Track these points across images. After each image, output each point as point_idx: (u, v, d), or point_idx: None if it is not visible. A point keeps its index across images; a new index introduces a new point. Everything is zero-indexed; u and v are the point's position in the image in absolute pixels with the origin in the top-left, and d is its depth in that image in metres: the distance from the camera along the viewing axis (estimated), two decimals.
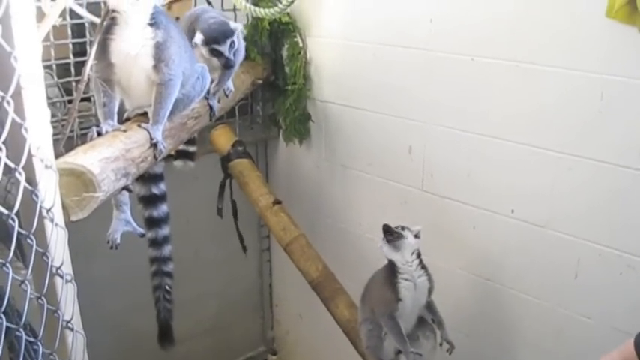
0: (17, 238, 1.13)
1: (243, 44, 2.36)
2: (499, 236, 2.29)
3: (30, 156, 1.18)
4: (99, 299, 2.54)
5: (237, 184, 2.72)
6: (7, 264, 1.08)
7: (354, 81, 2.67)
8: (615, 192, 1.96)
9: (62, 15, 2.10)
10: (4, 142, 1.05)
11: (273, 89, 2.99)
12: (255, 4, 2.63)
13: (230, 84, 2.43)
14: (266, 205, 2.58)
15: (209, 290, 3.17)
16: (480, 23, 2.18)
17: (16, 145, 1.14)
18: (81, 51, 2.39)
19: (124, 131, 1.84)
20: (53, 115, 2.22)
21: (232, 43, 2.20)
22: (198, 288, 3.01)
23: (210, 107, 2.32)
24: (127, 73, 1.88)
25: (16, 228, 1.11)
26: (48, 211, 1.25)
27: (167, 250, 2.23)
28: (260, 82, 2.88)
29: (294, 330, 3.47)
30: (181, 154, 2.43)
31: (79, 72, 2.23)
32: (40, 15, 1.89)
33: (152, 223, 2.19)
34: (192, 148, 2.45)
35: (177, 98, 1.98)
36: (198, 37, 2.15)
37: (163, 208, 2.20)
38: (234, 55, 2.23)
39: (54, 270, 1.28)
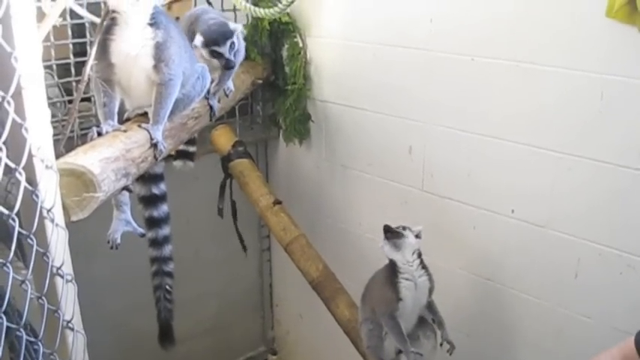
0: (17, 238, 1.13)
1: (243, 44, 2.36)
2: (499, 236, 2.29)
3: (30, 156, 1.18)
4: (99, 299, 2.54)
5: (237, 184, 2.73)
6: (8, 264, 1.08)
7: (354, 81, 2.67)
8: (615, 192, 1.96)
9: (62, 15, 2.11)
10: (4, 142, 1.05)
11: (273, 89, 2.99)
12: (255, 5, 2.63)
13: (230, 84, 2.43)
14: (266, 205, 2.59)
15: (209, 290, 3.17)
16: (480, 23, 2.18)
17: (16, 145, 1.14)
18: (81, 51, 2.39)
19: (124, 131, 1.84)
20: (53, 116, 2.22)
21: (232, 44, 2.20)
22: (199, 288, 3.01)
23: (211, 107, 2.32)
24: (127, 74, 1.88)
25: (17, 228, 1.11)
26: (48, 211, 1.25)
27: (167, 250, 2.23)
28: (260, 82, 2.89)
29: (294, 330, 3.47)
30: (181, 154, 2.43)
31: (79, 72, 2.23)
32: (41, 15, 1.89)
33: (152, 223, 2.19)
34: (192, 148, 2.45)
35: (178, 98, 1.98)
36: (198, 39, 2.15)
37: (164, 208, 2.20)
38: (234, 55, 2.23)
39: (54, 270, 1.28)
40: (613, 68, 1.88)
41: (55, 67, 2.39)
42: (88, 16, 2.22)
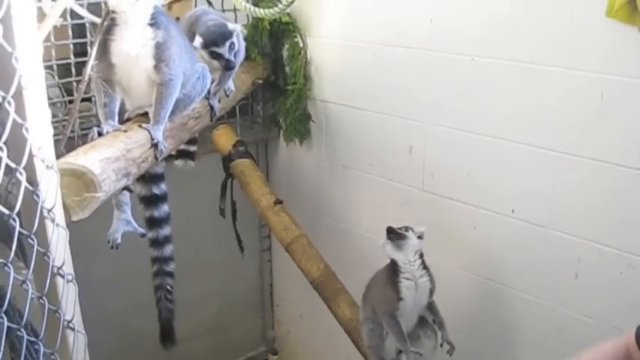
0: (18, 238, 1.14)
1: (243, 44, 2.36)
2: (499, 236, 2.29)
3: (31, 156, 1.18)
4: (100, 299, 2.54)
5: (238, 184, 2.73)
6: (9, 264, 1.08)
7: (355, 81, 2.68)
8: (615, 192, 1.96)
9: (63, 15, 2.11)
10: (5, 143, 1.05)
11: (273, 89, 2.99)
12: (256, 5, 2.63)
13: (231, 84, 2.44)
14: (267, 204, 2.59)
15: (210, 290, 3.17)
16: (480, 23, 2.18)
17: (17, 145, 1.14)
18: (81, 51, 2.39)
19: (125, 131, 1.85)
20: (54, 116, 2.22)
21: (232, 44, 2.20)
22: (199, 288, 3.01)
23: (211, 107, 2.32)
24: (127, 74, 1.89)
25: (17, 228, 1.12)
26: (49, 211, 1.26)
27: (168, 250, 2.23)
28: (260, 82, 2.89)
29: (295, 330, 3.47)
30: (182, 154, 2.43)
31: (79, 72, 2.23)
32: (41, 15, 1.89)
33: (153, 223, 2.20)
34: (193, 148, 2.46)
35: (178, 98, 1.98)
36: (197, 41, 2.15)
37: (164, 208, 2.20)
38: (234, 56, 2.23)
39: (55, 270, 1.28)
40: (613, 68, 1.88)
41: (55, 67, 2.39)
42: (88, 17, 2.22)
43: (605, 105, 1.92)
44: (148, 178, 2.12)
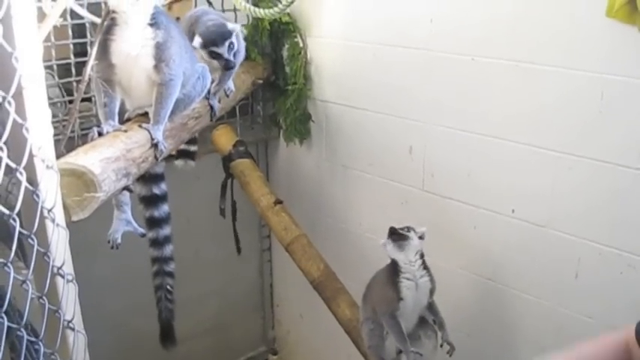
0: (18, 238, 1.14)
1: (243, 44, 2.36)
2: (500, 236, 2.29)
3: (31, 156, 1.18)
4: (100, 299, 2.54)
5: (238, 184, 2.73)
6: (9, 264, 1.08)
7: (355, 81, 2.68)
8: (615, 192, 1.96)
9: (63, 15, 2.10)
10: (5, 143, 1.05)
11: (273, 89, 2.99)
12: (256, 5, 2.63)
13: (231, 84, 2.44)
14: (267, 204, 2.59)
15: (210, 290, 3.17)
16: (480, 23, 2.18)
17: (17, 145, 1.15)
18: (81, 51, 2.39)
19: (125, 131, 1.85)
20: (54, 116, 2.22)
21: (231, 44, 2.20)
22: (199, 288, 3.01)
23: (211, 107, 2.32)
24: (127, 74, 1.89)
25: (18, 228, 1.12)
26: (49, 211, 1.26)
27: (168, 250, 2.23)
28: (260, 82, 2.89)
29: (295, 330, 3.47)
30: (182, 153, 2.43)
31: (79, 72, 2.23)
32: (41, 15, 1.89)
33: (153, 223, 2.19)
34: (193, 147, 2.46)
35: (178, 98, 1.98)
36: (197, 41, 2.15)
37: (164, 208, 2.20)
38: (234, 55, 2.23)
39: (55, 270, 1.28)
40: (613, 68, 1.88)
41: (55, 67, 2.39)
42: (88, 17, 2.22)
43: (605, 105, 1.92)
44: (148, 178, 2.11)
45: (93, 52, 1.86)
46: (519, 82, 2.12)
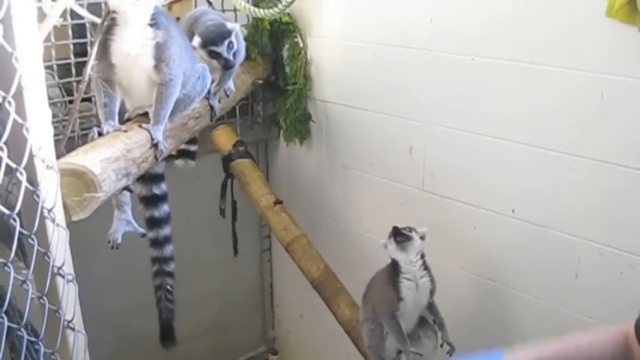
0: (18, 239, 1.14)
1: (243, 44, 2.36)
2: (500, 236, 2.30)
3: (31, 156, 1.18)
4: (100, 299, 2.54)
5: (238, 184, 2.73)
6: (9, 264, 1.08)
7: (355, 81, 2.68)
8: (615, 191, 1.96)
9: (63, 15, 2.10)
10: (5, 143, 1.05)
11: (273, 89, 2.99)
12: (256, 5, 2.63)
13: (231, 84, 2.44)
14: (267, 204, 2.59)
15: (210, 290, 3.17)
16: (480, 23, 2.18)
17: (17, 145, 1.14)
18: (82, 51, 2.39)
19: (125, 131, 1.84)
20: (54, 116, 2.21)
21: (230, 43, 2.20)
22: (199, 288, 3.01)
23: (211, 107, 2.32)
24: (127, 74, 1.89)
25: (18, 228, 1.12)
26: (49, 211, 1.25)
27: (168, 250, 2.23)
28: (261, 82, 2.89)
29: (295, 330, 3.47)
30: (183, 153, 2.43)
31: (79, 72, 2.23)
32: (41, 15, 1.89)
33: (153, 223, 2.19)
34: (193, 147, 2.46)
35: (178, 98, 1.98)
36: (196, 40, 2.15)
37: (164, 208, 2.20)
38: (233, 55, 2.23)
39: (55, 270, 1.28)
40: (613, 68, 1.88)
41: (55, 67, 2.39)
42: (88, 17, 2.22)
43: (605, 105, 1.92)
44: (148, 178, 2.12)
45: (93, 52, 1.86)
46: (519, 82, 2.12)
